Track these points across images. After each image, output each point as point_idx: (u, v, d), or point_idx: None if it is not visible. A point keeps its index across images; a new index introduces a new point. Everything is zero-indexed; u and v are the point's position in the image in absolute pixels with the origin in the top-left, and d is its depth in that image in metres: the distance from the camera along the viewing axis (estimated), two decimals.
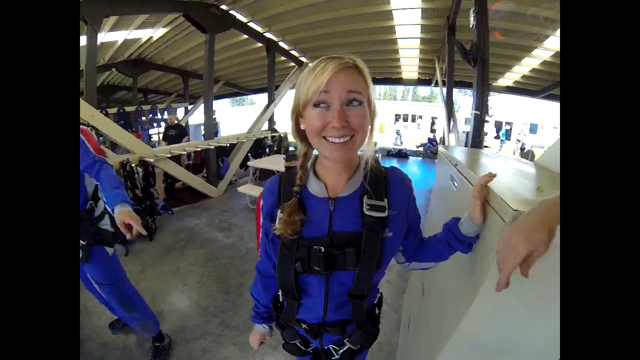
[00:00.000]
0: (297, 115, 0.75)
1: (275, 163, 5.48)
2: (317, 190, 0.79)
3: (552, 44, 6.90)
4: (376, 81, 10.36)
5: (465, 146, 4.55)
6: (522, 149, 14.10)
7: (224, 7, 5.65)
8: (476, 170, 1.23)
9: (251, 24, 6.47)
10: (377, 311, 0.98)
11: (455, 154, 1.56)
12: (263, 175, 6.60)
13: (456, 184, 1.34)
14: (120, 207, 1.35)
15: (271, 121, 8.23)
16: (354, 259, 0.76)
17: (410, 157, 11.52)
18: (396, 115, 27.09)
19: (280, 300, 0.98)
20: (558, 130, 1.62)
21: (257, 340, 1.11)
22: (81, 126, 1.53)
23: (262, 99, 11.47)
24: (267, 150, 7.79)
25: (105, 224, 1.67)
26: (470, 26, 4.11)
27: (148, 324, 1.95)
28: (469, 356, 0.96)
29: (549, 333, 0.88)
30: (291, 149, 8.76)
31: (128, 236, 1.31)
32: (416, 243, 0.88)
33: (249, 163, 6.15)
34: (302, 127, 0.75)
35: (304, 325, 0.91)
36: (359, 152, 0.78)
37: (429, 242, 0.89)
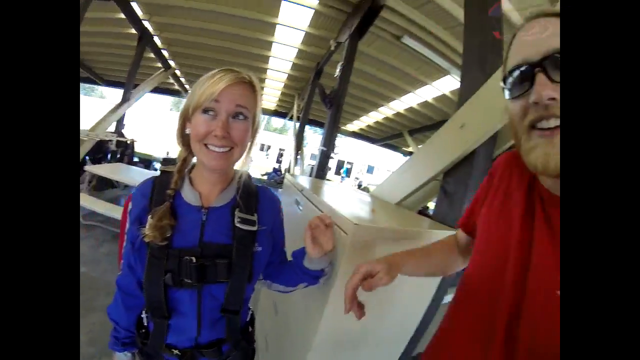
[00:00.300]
0: (185, 119, 0.75)
1: (117, 172, 4.70)
2: (191, 198, 0.78)
3: (396, 105, 8.66)
4: None
5: (310, 177, 5.14)
6: (360, 185, 16.70)
7: None
8: (320, 194, 1.45)
9: (134, 4, 5.60)
10: (250, 329, 0.95)
11: (301, 182, 1.77)
12: (100, 185, 5.60)
13: (301, 207, 1.54)
14: None
15: (120, 123, 7.05)
16: (225, 271, 0.75)
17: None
18: None
19: (145, 323, 0.85)
20: (389, 172, 2.08)
21: None
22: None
23: (114, 93, 9.78)
24: (109, 156, 6.59)
25: None
26: (335, 75, 4.80)
27: None
28: (331, 353, 1.13)
29: (389, 327, 1.22)
30: (135, 159, 7.81)
31: None
32: (277, 262, 0.94)
33: (85, 168, 5.15)
34: (187, 131, 0.76)
35: (175, 352, 0.82)
36: (235, 167, 0.81)
37: (288, 265, 0.95)
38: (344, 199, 1.48)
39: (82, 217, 4.18)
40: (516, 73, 0.51)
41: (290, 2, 5.04)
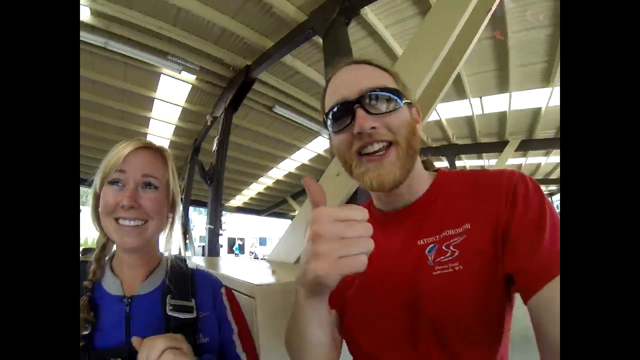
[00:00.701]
0: (96, 196, 0.69)
1: None
2: (112, 287, 0.67)
3: (275, 174, 9.05)
4: None
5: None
6: (256, 257, 16.22)
7: None
8: (217, 269, 1.42)
9: None
10: None
11: (196, 261, 1.71)
12: None
13: None
14: None
15: None
16: None
17: None
18: None
19: None
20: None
21: None
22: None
23: None
24: None
25: None
26: (212, 150, 4.86)
27: None
28: None
29: None
30: None
31: None
32: None
33: None
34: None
35: None
36: (162, 251, 0.75)
37: None
38: (244, 269, 1.49)
39: None
40: (336, 110, 0.59)
41: (168, 76, 5.09)
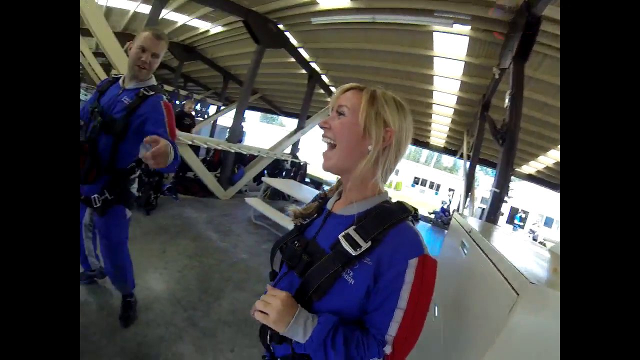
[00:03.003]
0: None
1: (289, 187, 5.47)
2: (330, 203, 0.87)
3: None
4: (415, 142, 10.50)
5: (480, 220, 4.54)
6: (534, 238, 13.70)
7: (281, 26, 6.04)
8: (490, 239, 1.22)
9: (301, 50, 6.78)
10: None
11: (471, 223, 1.55)
12: (273, 195, 6.62)
13: (466, 251, 1.33)
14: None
15: (295, 147, 8.36)
16: (302, 268, 0.75)
17: (420, 222, 11.18)
18: (415, 178, 27.45)
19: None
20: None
21: None
22: (164, 99, 1.64)
23: (291, 123, 11.62)
24: (284, 173, 7.85)
25: (134, 187, 1.79)
26: (505, 106, 4.24)
27: (126, 285, 2.04)
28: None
29: None
30: (307, 180, 8.79)
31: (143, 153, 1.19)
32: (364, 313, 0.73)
33: (262, 179, 6.20)
34: None
35: None
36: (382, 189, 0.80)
37: (361, 332, 0.71)
38: (518, 250, 1.22)
39: (253, 217, 5.05)
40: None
41: (441, 32, 4.89)
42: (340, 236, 0.71)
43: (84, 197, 1.68)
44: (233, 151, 6.09)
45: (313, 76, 7.58)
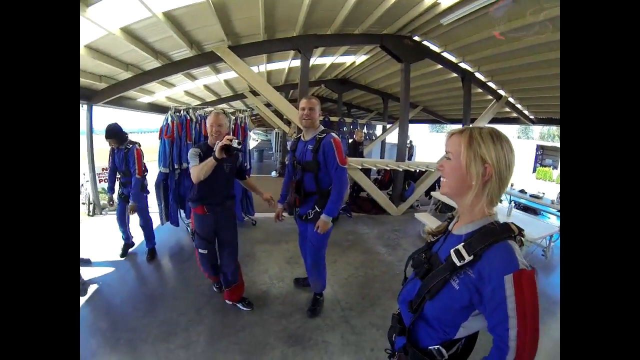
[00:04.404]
0: None
1: None
2: (451, 224, 1.04)
3: None
4: None
5: None
6: None
7: (416, 38, 5.92)
8: None
9: (445, 54, 6.37)
10: (441, 351, 0.96)
11: None
12: (444, 208, 6.41)
13: None
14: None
15: None
16: (423, 272, 0.97)
17: None
18: None
19: None
20: None
21: None
22: (333, 137, 2.38)
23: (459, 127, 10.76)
24: None
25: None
26: None
27: (319, 283, 2.76)
28: None
29: None
30: None
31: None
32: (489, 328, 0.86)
33: (432, 193, 6.14)
34: None
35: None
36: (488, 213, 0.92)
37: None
38: None
39: (422, 232, 5.07)
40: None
41: None
42: (451, 250, 0.88)
43: (302, 215, 2.54)
44: (402, 169, 6.34)
45: (466, 77, 6.86)
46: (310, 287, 2.90)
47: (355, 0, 4.23)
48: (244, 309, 2.73)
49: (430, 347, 0.96)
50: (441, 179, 0.98)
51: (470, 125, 0.91)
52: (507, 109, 8.58)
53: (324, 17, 4.89)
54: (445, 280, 0.87)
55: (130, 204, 3.46)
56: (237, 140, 2.20)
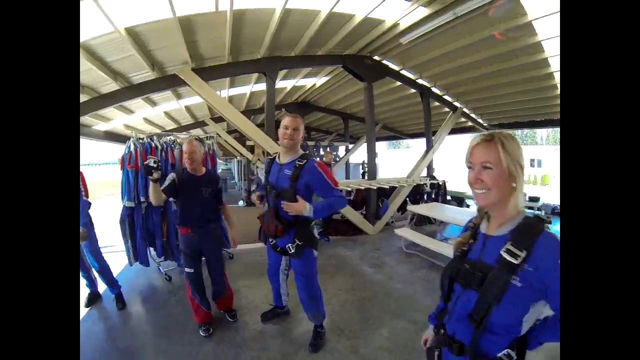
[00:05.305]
0: None
1: (432, 211, 5.36)
2: (483, 227, 1.04)
3: None
4: (535, 124, 8.96)
5: None
6: None
7: (376, 57, 6.19)
8: None
9: (403, 72, 6.74)
10: (510, 354, 0.95)
11: None
12: (419, 221, 6.44)
13: None
14: None
15: (430, 168, 7.97)
16: (478, 281, 0.94)
17: None
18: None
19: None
20: None
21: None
22: (316, 161, 2.13)
23: (417, 143, 11.24)
24: (425, 197, 7.55)
25: (317, 231, 2.32)
26: None
27: (319, 314, 2.47)
28: None
29: None
30: (448, 198, 8.25)
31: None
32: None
33: (408, 208, 6.15)
34: None
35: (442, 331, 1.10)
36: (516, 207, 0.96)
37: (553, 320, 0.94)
38: None
39: (404, 247, 5.00)
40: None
41: None
42: (502, 251, 0.89)
43: (279, 248, 2.29)
44: (375, 187, 6.32)
45: (424, 92, 7.35)
46: (309, 319, 2.54)
47: (322, 21, 4.25)
48: (230, 319, 2.83)
49: (499, 355, 0.94)
50: (477, 191, 0.97)
51: (494, 131, 0.95)
52: (463, 119, 9.12)
53: (290, 39, 4.87)
54: (506, 281, 0.88)
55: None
56: (152, 159, 2.23)
